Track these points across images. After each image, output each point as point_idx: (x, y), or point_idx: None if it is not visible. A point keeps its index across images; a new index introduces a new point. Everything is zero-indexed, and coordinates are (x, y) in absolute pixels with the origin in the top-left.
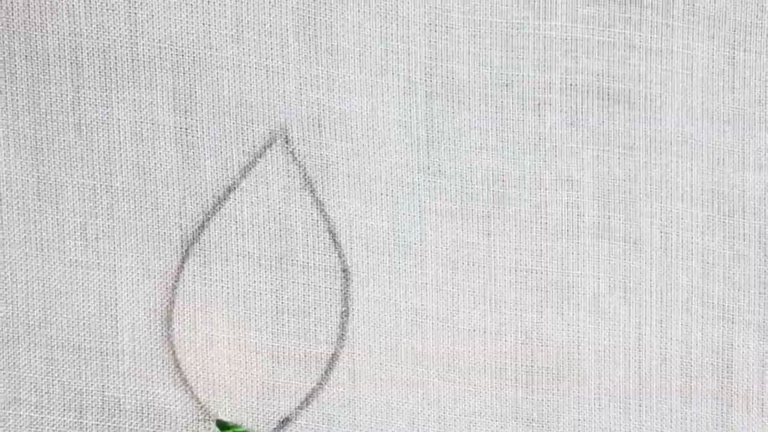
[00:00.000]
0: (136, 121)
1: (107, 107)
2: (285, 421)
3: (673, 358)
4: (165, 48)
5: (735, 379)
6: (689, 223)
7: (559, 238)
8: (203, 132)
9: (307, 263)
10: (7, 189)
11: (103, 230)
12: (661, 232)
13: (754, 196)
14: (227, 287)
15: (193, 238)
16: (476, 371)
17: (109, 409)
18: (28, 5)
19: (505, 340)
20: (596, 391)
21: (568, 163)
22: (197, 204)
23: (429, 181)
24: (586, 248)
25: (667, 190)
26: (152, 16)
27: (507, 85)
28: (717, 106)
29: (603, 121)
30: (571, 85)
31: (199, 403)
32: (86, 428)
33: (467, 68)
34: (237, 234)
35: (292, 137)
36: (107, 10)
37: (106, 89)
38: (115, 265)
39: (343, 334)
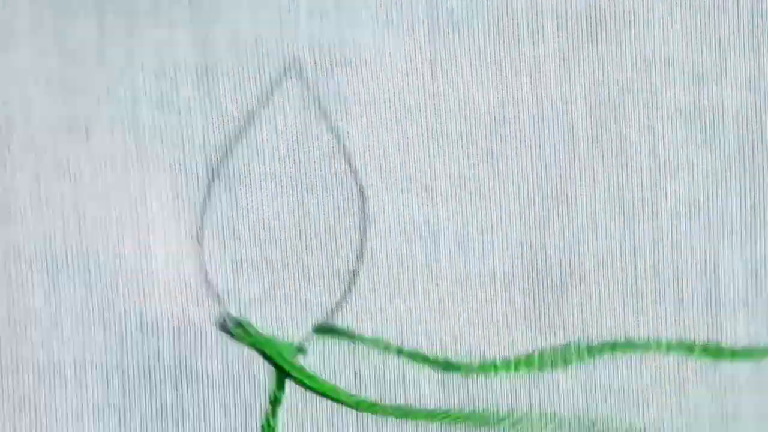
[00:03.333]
0: (157, 59)
1: (130, 46)
2: (301, 351)
3: (665, 264)
4: None
5: (722, 284)
6: (674, 136)
7: (557, 154)
8: (222, 66)
9: (326, 185)
10: (39, 126)
11: (132, 162)
12: (649, 147)
13: (732, 110)
14: (252, 210)
15: (218, 166)
16: (487, 282)
17: (147, 330)
18: None
19: (512, 252)
20: (597, 298)
21: (561, 84)
22: (219, 133)
23: (434, 105)
24: (582, 163)
25: (653, 108)
26: None
27: (501, 17)
28: (696, 30)
29: (593, 46)
30: (563, 13)
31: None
32: (127, 348)
33: (465, 3)
34: (259, 160)
35: (306, 68)
36: None
37: (129, 29)
38: (145, 194)
39: (362, 251)
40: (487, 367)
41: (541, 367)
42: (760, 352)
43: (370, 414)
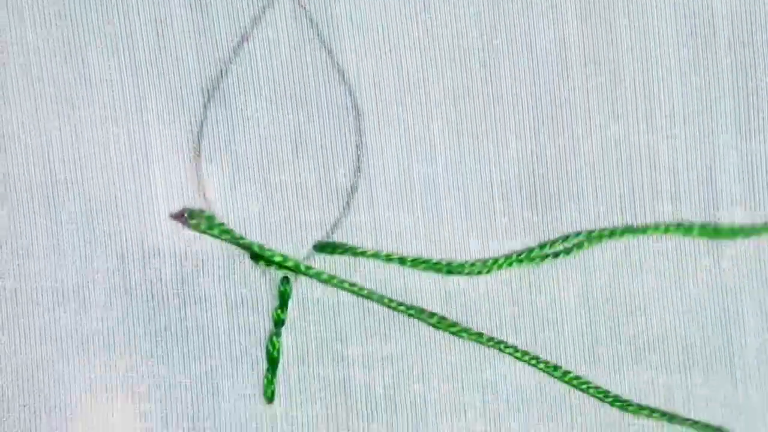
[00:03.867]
0: None
1: None
2: (315, 248)
3: (661, 167)
4: None
5: (719, 182)
6: (665, 40)
7: (549, 63)
8: None
9: (321, 103)
10: (36, 53)
11: (128, 86)
12: (641, 52)
13: (722, 11)
14: (248, 130)
15: (214, 86)
16: (484, 193)
17: (149, 254)
18: None
19: (508, 163)
20: (594, 204)
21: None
22: (214, 55)
23: (425, 18)
24: (574, 72)
25: (643, 10)
26: None
27: None
28: None
29: None
30: None
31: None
32: (129, 272)
33: None
34: (254, 80)
35: None
36: None
37: None
38: (143, 117)
39: (359, 166)
40: (490, 265)
41: (542, 259)
42: (759, 229)
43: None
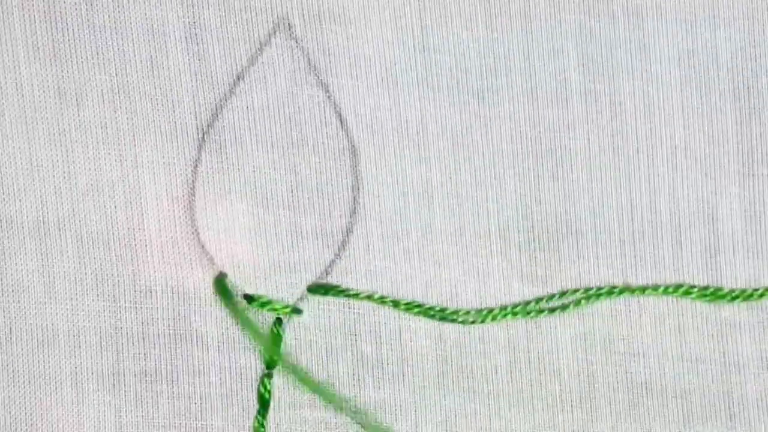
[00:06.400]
0: (146, 20)
1: (119, 8)
2: (309, 289)
3: (662, 211)
4: None
5: (721, 226)
6: (668, 82)
7: (550, 105)
8: (210, 25)
9: (317, 144)
10: (30, 92)
11: (123, 127)
12: (642, 93)
13: (727, 52)
14: (244, 171)
15: (208, 127)
16: (482, 237)
17: (141, 294)
18: None
19: (507, 206)
20: (594, 248)
21: (553, 34)
22: (209, 95)
23: (424, 58)
24: (575, 113)
25: (645, 53)
26: None
27: None
28: None
29: None
30: None
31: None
32: (121, 312)
33: None
34: (249, 120)
35: (294, 26)
36: None
37: None
38: (136, 159)
39: (355, 209)
40: (484, 315)
41: (538, 313)
42: (759, 294)
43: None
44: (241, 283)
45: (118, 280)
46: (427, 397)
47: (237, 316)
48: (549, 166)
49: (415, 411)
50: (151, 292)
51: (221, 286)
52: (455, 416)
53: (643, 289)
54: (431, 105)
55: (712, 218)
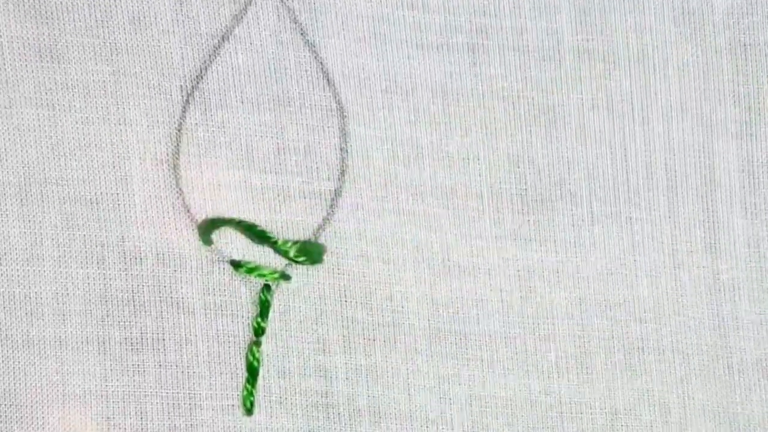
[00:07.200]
0: None
1: None
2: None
3: (658, 167)
4: None
5: (717, 179)
6: (663, 38)
7: (542, 62)
8: None
9: (304, 103)
10: (11, 53)
11: (107, 85)
12: (637, 49)
13: (722, 9)
14: (229, 132)
15: (193, 87)
16: (473, 198)
17: (129, 258)
18: None
19: (499, 166)
20: (589, 208)
21: None
22: (195, 54)
23: (414, 16)
24: (568, 71)
25: (641, 8)
26: None
27: None
28: None
29: None
30: None
31: (212, 244)
32: (108, 278)
33: None
34: (235, 80)
35: None
36: None
37: None
38: (121, 118)
39: (343, 170)
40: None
41: None
42: None
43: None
44: (228, 247)
45: (105, 245)
46: (420, 362)
47: (240, 229)
48: (542, 126)
49: (408, 377)
50: (137, 256)
51: (207, 225)
52: (449, 383)
53: None
54: (420, 64)
55: (709, 177)
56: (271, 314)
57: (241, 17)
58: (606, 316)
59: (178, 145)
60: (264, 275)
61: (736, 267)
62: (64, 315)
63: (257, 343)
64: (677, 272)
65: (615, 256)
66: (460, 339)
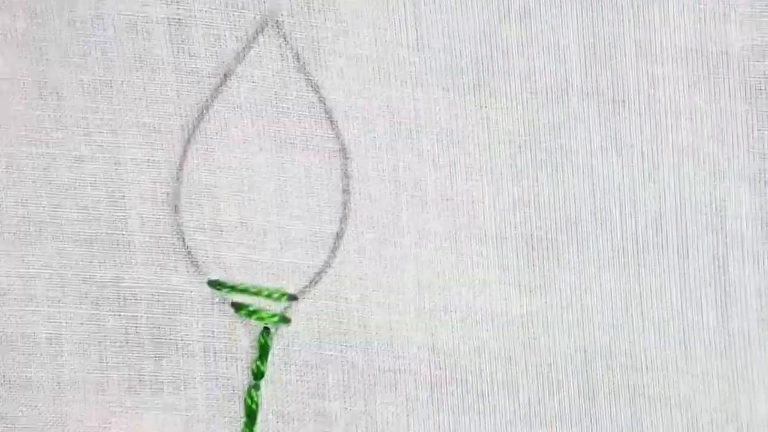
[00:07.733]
0: (128, 15)
1: (99, 3)
2: (293, 299)
3: (668, 216)
4: None
5: (729, 233)
6: (675, 82)
7: (549, 104)
8: (196, 21)
9: (307, 144)
10: (9, 89)
11: (104, 124)
12: (648, 93)
13: (737, 52)
14: (230, 172)
15: (194, 126)
16: (477, 243)
17: (124, 299)
18: None
19: (504, 210)
20: (596, 255)
21: (553, 30)
22: (195, 93)
23: (418, 56)
24: (576, 112)
25: (651, 51)
26: None
27: None
28: None
29: None
30: None
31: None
32: (103, 318)
33: None
34: (236, 119)
35: (283, 21)
36: None
37: None
38: (118, 158)
39: (346, 212)
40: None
41: None
42: None
43: None
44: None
45: (100, 285)
46: (420, 409)
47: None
48: (548, 169)
49: (408, 424)
50: (134, 297)
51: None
52: (449, 430)
53: None
54: (425, 104)
55: (721, 224)
56: (270, 358)
57: (244, 56)
58: (611, 366)
59: (178, 183)
60: (264, 318)
61: (746, 318)
62: (60, 356)
63: (256, 387)
64: (685, 322)
65: (622, 305)
66: (462, 387)
